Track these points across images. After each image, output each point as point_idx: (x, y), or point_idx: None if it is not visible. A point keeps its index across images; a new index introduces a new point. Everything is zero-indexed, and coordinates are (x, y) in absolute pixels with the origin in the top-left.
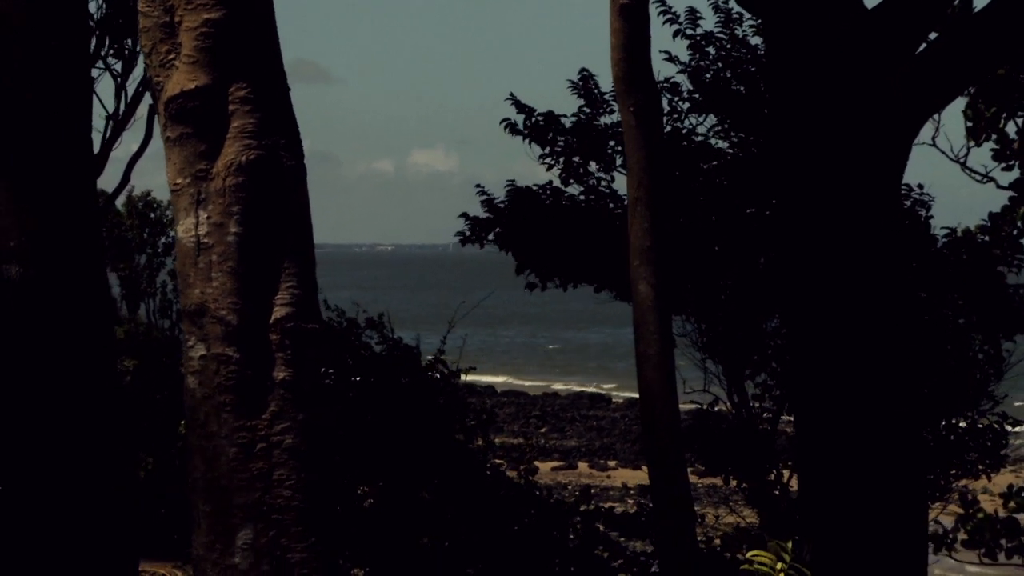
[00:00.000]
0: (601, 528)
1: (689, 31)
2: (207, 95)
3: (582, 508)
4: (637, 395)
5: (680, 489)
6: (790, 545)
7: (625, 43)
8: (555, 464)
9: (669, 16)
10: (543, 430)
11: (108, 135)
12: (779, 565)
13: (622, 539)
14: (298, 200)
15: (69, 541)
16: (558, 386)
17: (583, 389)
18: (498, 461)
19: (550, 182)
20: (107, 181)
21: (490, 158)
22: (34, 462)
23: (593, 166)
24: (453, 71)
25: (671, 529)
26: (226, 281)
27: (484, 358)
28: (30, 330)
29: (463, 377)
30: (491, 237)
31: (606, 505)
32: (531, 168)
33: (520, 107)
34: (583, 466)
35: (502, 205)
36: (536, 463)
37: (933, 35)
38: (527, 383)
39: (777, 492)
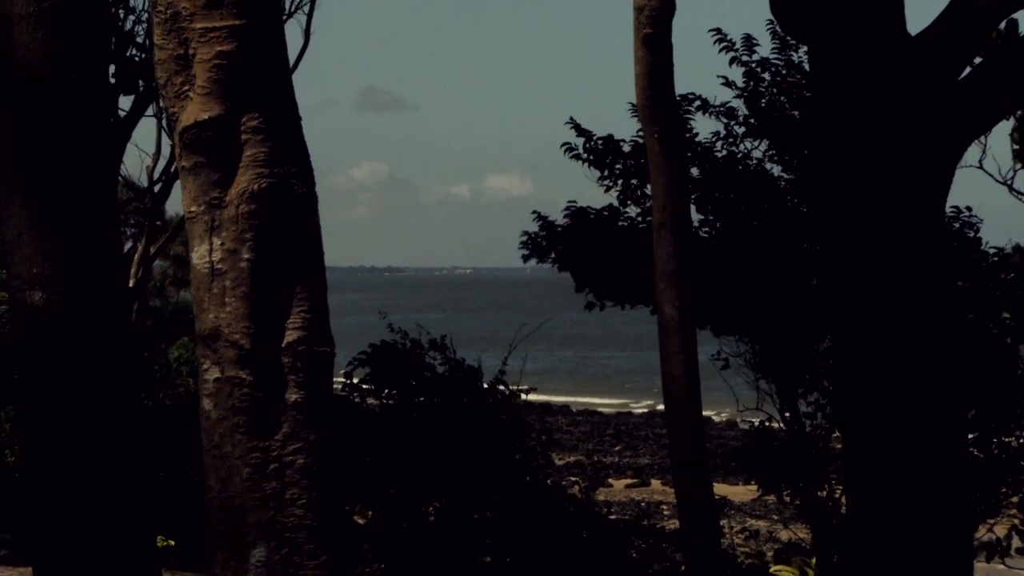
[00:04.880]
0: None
1: (745, 58)
2: (220, 125)
3: (637, 524)
4: (710, 414)
5: (706, 504)
6: (814, 561)
7: (649, 72)
8: (629, 481)
9: (725, 44)
10: (617, 448)
11: (175, 163)
12: None
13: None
14: (309, 226)
15: (86, 552)
16: (632, 405)
17: (657, 408)
18: (572, 478)
19: (609, 204)
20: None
21: (561, 183)
22: (56, 482)
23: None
24: (522, 96)
25: (697, 543)
26: (239, 306)
27: (559, 378)
28: (53, 354)
29: (525, 396)
30: (552, 256)
31: (678, 523)
32: (598, 193)
33: (580, 131)
34: (656, 483)
35: (560, 227)
36: (610, 480)
37: (977, 60)
38: (602, 402)
39: (829, 508)
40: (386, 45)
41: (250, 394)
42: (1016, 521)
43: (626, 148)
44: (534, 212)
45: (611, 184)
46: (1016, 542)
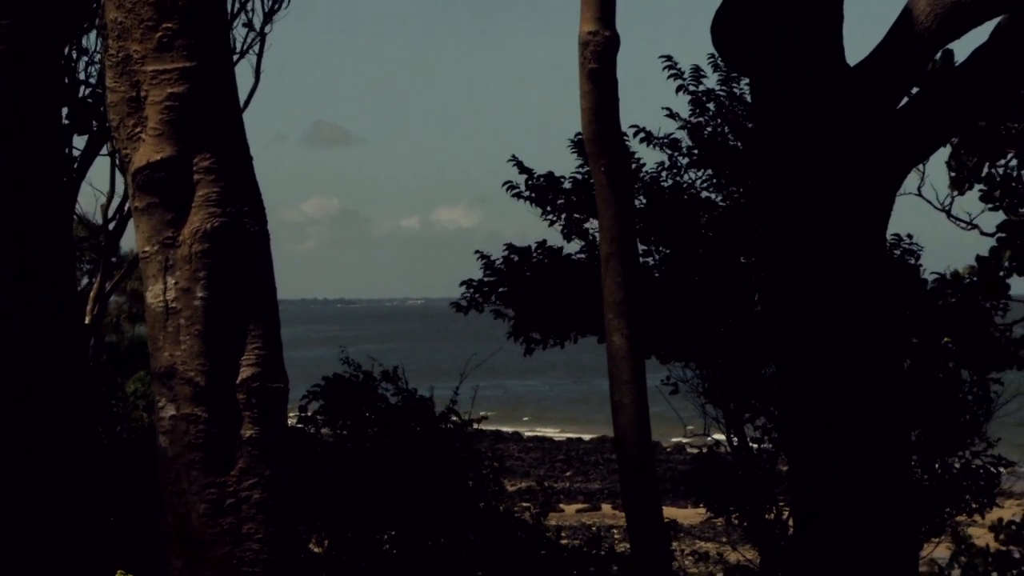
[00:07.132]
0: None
1: (692, 87)
2: (173, 166)
3: (588, 550)
4: (659, 439)
5: (656, 530)
6: None
7: (594, 106)
8: (580, 506)
9: (674, 72)
10: (568, 473)
11: (128, 202)
12: None
13: None
14: (262, 264)
15: None
16: (582, 432)
17: (606, 434)
18: (525, 504)
19: (544, 240)
20: None
21: (507, 214)
22: (10, 519)
23: (593, 223)
24: (468, 129)
25: (648, 568)
26: (194, 344)
27: (510, 406)
28: (6, 392)
29: (477, 425)
30: (494, 299)
31: (628, 546)
32: (544, 225)
33: (522, 168)
34: (607, 507)
35: (502, 267)
36: (561, 505)
37: (915, 90)
38: (552, 429)
39: (776, 530)
40: (333, 79)
41: (206, 431)
42: (954, 549)
43: (567, 184)
44: (477, 252)
45: (554, 219)
46: (956, 571)
